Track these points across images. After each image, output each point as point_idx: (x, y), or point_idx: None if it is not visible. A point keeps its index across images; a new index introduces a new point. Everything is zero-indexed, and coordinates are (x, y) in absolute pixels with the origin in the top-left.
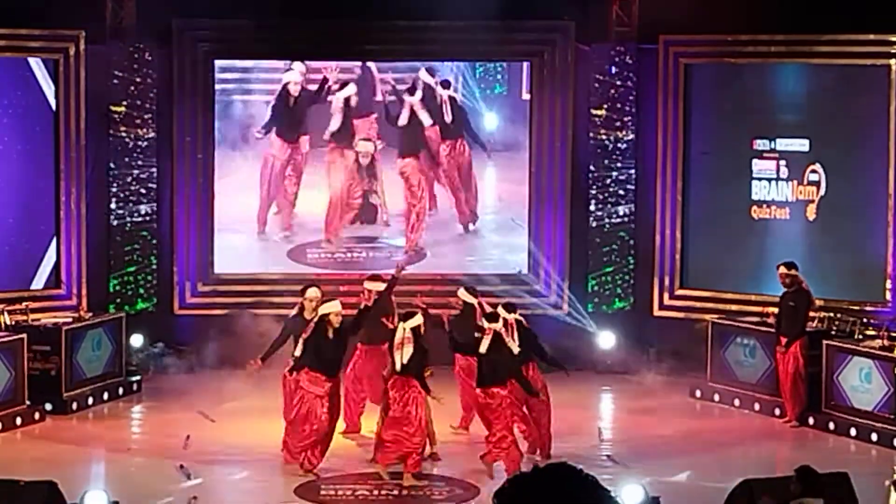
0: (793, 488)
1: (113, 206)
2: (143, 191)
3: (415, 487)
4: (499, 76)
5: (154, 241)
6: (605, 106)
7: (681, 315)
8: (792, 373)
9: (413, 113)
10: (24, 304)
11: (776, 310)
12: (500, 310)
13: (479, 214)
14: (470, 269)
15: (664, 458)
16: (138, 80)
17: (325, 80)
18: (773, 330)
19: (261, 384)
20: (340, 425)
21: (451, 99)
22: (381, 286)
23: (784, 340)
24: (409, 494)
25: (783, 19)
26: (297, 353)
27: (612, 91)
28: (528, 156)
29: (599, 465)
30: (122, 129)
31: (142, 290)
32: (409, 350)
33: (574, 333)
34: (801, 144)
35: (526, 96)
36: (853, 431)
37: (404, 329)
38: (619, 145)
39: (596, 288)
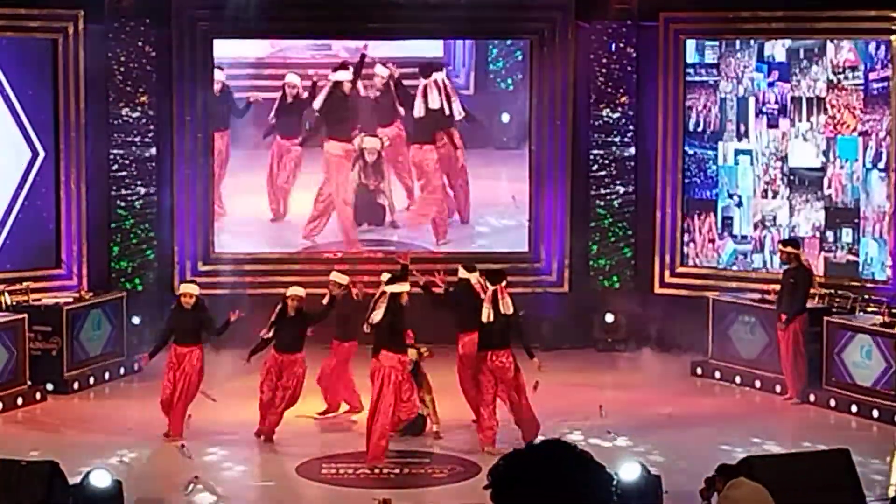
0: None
1: (113, 185)
2: (142, 170)
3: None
4: (503, 71)
5: (154, 221)
6: (606, 83)
7: (682, 293)
8: (793, 350)
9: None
10: (25, 284)
11: (777, 287)
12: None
13: (473, 212)
14: (470, 249)
15: (664, 435)
16: (137, 59)
17: (364, 56)
18: (773, 307)
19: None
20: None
21: (442, 83)
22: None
23: (784, 317)
24: (410, 473)
25: None
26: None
27: (613, 68)
28: (528, 134)
29: (600, 443)
30: (122, 108)
31: (142, 270)
32: (379, 314)
33: (575, 311)
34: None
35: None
36: (854, 408)
37: (383, 292)
38: (619, 123)
39: (597, 266)
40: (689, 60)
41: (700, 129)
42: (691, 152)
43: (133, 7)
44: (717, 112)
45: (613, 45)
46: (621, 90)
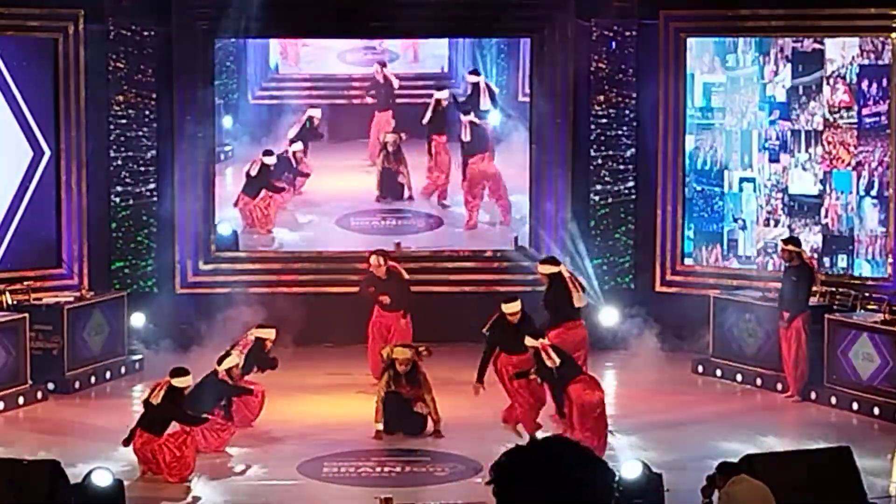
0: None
1: (113, 184)
2: (143, 169)
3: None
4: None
5: (155, 220)
6: (606, 81)
7: (683, 290)
8: (794, 347)
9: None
10: (26, 283)
11: (778, 285)
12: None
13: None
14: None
15: (666, 433)
16: (137, 58)
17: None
18: (775, 304)
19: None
20: None
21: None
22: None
23: (786, 315)
24: (412, 471)
25: None
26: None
27: (613, 66)
28: (529, 132)
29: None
30: (122, 107)
31: (143, 269)
32: None
33: None
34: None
35: (523, 98)
36: (855, 405)
37: None
38: (619, 120)
39: (597, 263)
40: (697, 104)
41: (707, 167)
42: (699, 188)
43: (133, 6)
44: (722, 151)
45: (613, 43)
46: (621, 88)
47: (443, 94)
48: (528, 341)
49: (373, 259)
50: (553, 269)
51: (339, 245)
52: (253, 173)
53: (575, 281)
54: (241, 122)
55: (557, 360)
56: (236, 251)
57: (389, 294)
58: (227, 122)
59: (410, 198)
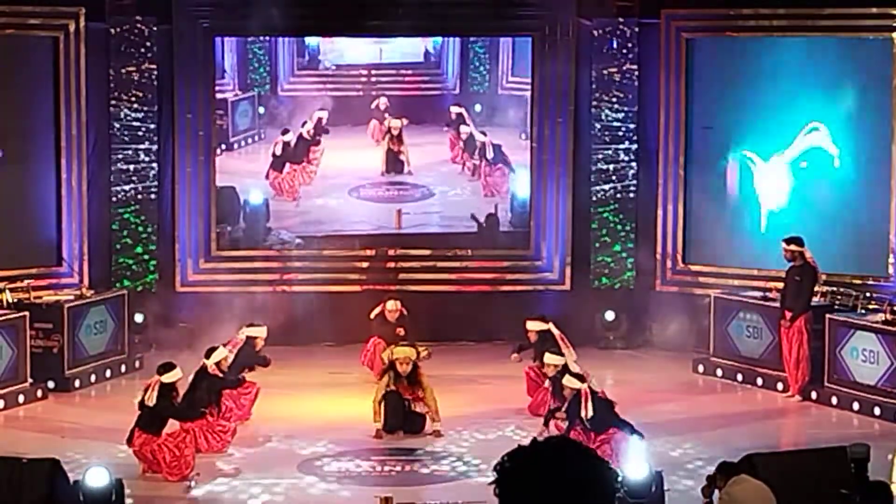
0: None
1: (114, 183)
2: (144, 167)
3: None
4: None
5: (155, 218)
6: (607, 81)
7: (683, 290)
8: (796, 347)
9: None
10: (26, 281)
11: (781, 284)
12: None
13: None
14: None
15: (666, 433)
16: (138, 56)
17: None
18: (776, 305)
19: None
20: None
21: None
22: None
23: (790, 315)
24: (412, 470)
25: None
26: None
27: (614, 66)
28: (530, 131)
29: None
30: (123, 105)
31: (143, 268)
32: None
33: (576, 309)
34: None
35: (501, 92)
36: (856, 406)
37: None
38: (620, 120)
39: (598, 263)
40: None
41: None
42: None
43: (134, 4)
44: None
45: (615, 43)
46: (622, 87)
47: (465, 131)
48: (572, 382)
49: (390, 304)
50: (542, 325)
51: (351, 211)
52: (277, 152)
53: (564, 338)
54: (272, 110)
55: (591, 413)
56: (266, 220)
57: (395, 331)
58: (260, 110)
59: (409, 172)
